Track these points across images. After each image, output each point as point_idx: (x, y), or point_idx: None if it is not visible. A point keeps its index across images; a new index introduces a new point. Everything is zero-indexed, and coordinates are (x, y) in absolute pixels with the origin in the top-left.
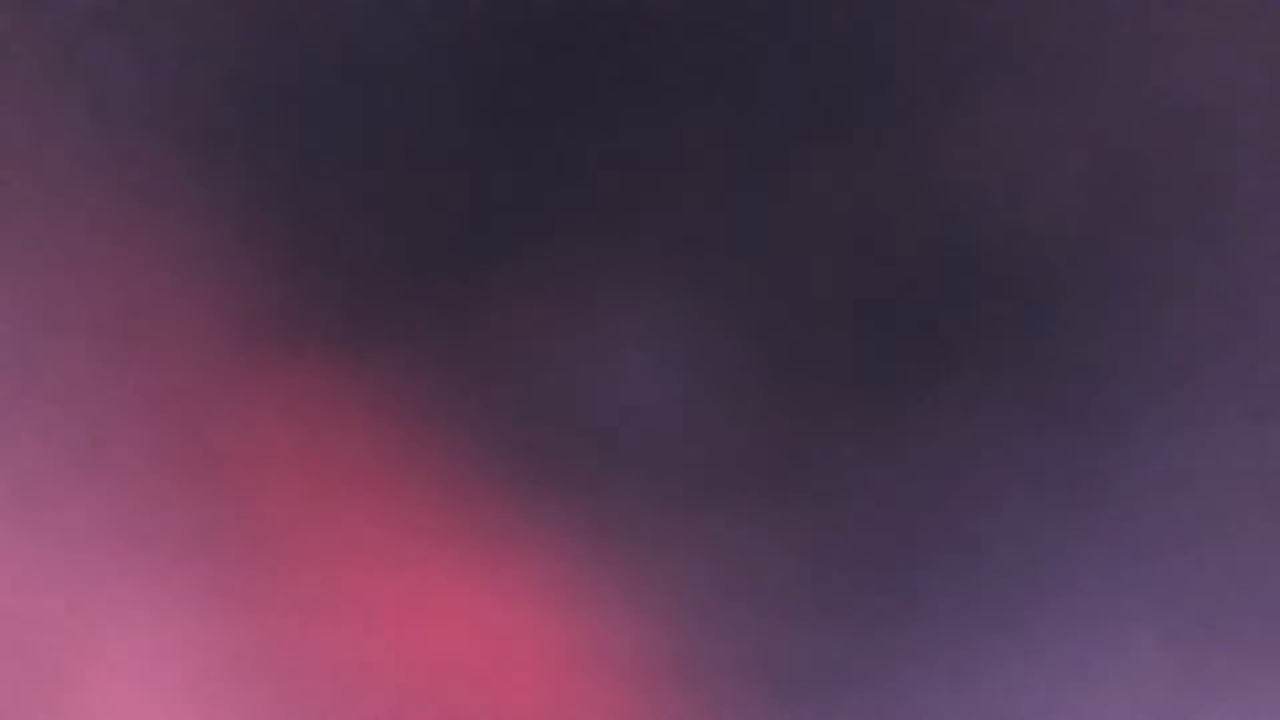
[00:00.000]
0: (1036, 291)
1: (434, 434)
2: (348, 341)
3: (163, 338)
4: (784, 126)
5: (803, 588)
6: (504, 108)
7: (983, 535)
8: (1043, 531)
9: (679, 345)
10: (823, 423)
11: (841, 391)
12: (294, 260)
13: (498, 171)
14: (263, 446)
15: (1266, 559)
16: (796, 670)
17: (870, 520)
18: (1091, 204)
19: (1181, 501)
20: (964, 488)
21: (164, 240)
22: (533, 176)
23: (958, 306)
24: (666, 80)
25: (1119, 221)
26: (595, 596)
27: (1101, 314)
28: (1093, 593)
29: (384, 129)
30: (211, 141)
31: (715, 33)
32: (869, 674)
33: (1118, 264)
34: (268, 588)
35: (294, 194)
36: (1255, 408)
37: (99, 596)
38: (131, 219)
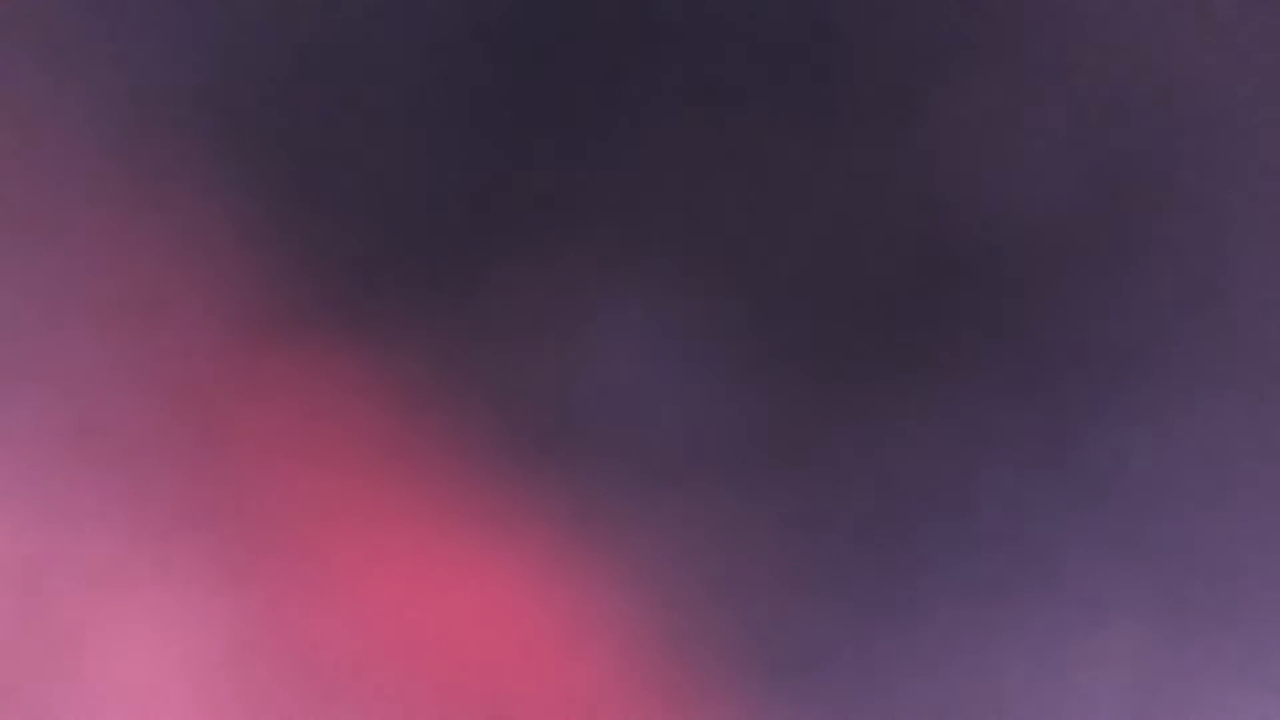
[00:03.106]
0: (1028, 279)
1: (432, 418)
2: (347, 326)
3: (163, 322)
4: (774, 119)
5: (792, 569)
6: (502, 100)
7: (971, 520)
8: (1031, 517)
9: (672, 331)
10: (813, 408)
11: (832, 377)
12: (296, 247)
13: (495, 162)
14: (263, 431)
15: (1258, 544)
16: (785, 649)
17: (859, 503)
18: (1082, 192)
19: (1172, 488)
20: (953, 473)
21: (165, 226)
22: (530, 167)
23: (949, 294)
24: (660, 73)
25: (1110, 209)
26: (590, 577)
27: (1093, 301)
28: (1081, 578)
29: (385, 119)
30: (214, 130)
31: (706, 27)
32: (857, 652)
33: (1109, 251)
34: (266, 569)
35: (297, 182)
36: (1246, 393)
37: (102, 579)
38: (133, 206)
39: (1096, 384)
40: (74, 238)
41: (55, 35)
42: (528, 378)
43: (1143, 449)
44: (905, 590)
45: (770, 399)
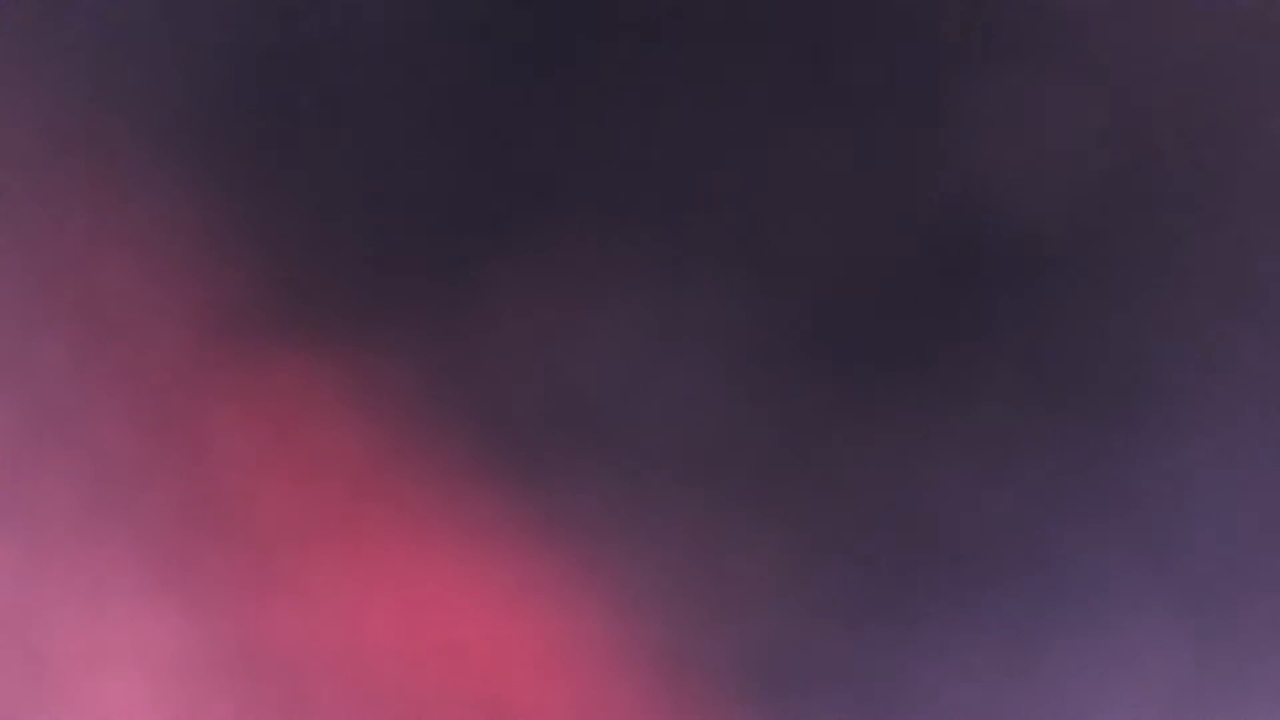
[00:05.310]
0: (1040, 279)
1: (420, 427)
2: (335, 334)
3: (143, 332)
4: (784, 106)
5: (793, 583)
6: (492, 95)
7: (974, 532)
8: (1037, 528)
9: (669, 339)
10: (815, 417)
11: (835, 384)
12: (279, 253)
13: (484, 162)
14: (246, 441)
15: (1273, 554)
16: (782, 665)
17: (865, 516)
18: (1099, 187)
19: (1183, 498)
20: (956, 484)
21: (145, 233)
22: (520, 166)
23: (959, 293)
24: (662, 61)
25: (1127, 206)
26: (582, 590)
27: (1107, 302)
28: (1085, 592)
29: (369, 119)
30: (192, 131)
31: (713, 10)
32: (854, 669)
33: (1124, 250)
34: (252, 584)
35: (277, 184)
36: (1263, 399)
37: (77, 591)
38: (109, 211)
39: (1122, 394)
40: (46, 249)
41: (24, 34)
42: (521, 384)
43: (1169, 462)
44: (908, 609)
45: (773, 405)
